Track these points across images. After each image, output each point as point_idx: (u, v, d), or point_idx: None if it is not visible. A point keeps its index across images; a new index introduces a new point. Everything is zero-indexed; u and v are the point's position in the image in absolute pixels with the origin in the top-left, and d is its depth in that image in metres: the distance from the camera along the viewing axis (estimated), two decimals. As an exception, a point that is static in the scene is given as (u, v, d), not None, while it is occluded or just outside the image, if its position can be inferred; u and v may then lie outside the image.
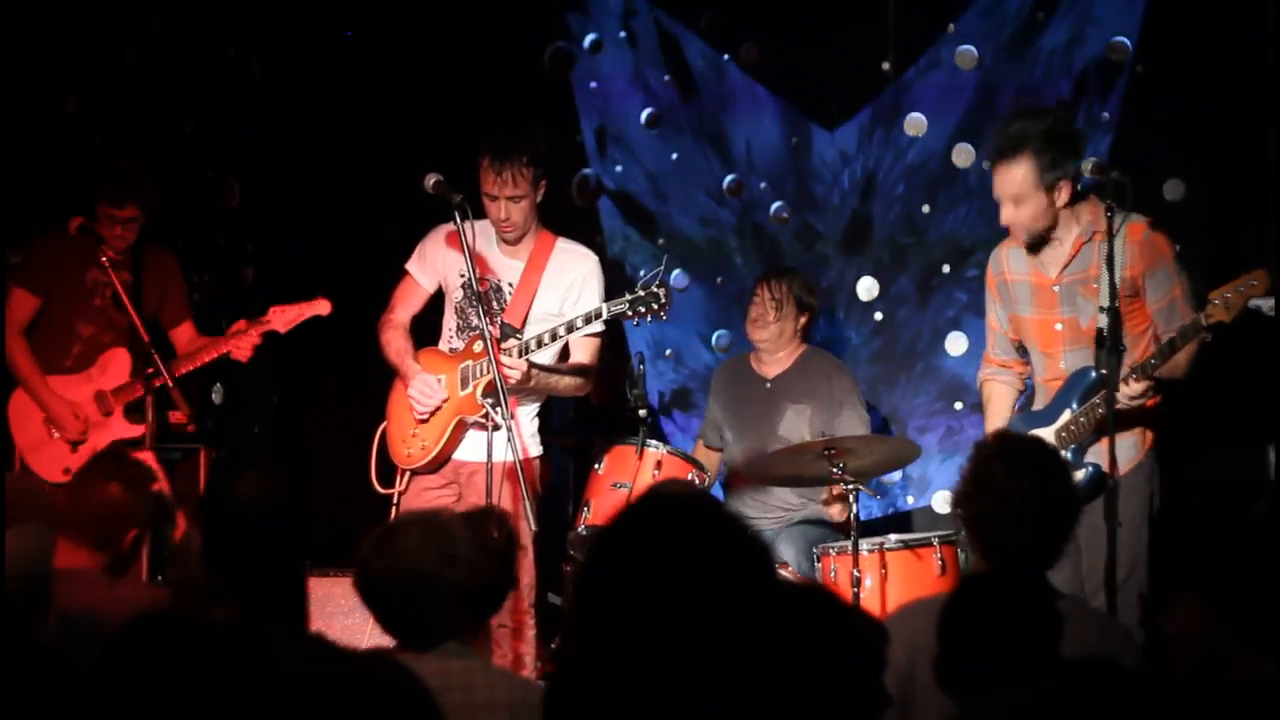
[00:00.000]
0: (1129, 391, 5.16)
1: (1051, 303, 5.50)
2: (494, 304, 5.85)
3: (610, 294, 5.84)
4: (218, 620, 2.62)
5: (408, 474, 5.90)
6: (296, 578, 3.42)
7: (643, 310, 5.52)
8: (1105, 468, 5.11)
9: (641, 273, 7.58)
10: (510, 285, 5.89)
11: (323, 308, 6.47)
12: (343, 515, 7.01)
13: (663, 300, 5.51)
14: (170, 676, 2.43)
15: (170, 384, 5.97)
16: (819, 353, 6.81)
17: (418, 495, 5.83)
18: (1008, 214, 5.39)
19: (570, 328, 5.65)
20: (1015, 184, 5.33)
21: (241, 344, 6.40)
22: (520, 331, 5.73)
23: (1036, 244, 5.45)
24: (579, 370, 5.88)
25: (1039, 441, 3.89)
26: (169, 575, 4.64)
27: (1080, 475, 5.33)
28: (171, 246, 7.03)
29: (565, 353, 5.92)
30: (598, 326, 5.75)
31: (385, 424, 5.98)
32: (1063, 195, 5.32)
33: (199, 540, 3.55)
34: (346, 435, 6.31)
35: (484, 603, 3.73)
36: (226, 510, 3.44)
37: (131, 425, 6.35)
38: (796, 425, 6.55)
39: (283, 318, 6.42)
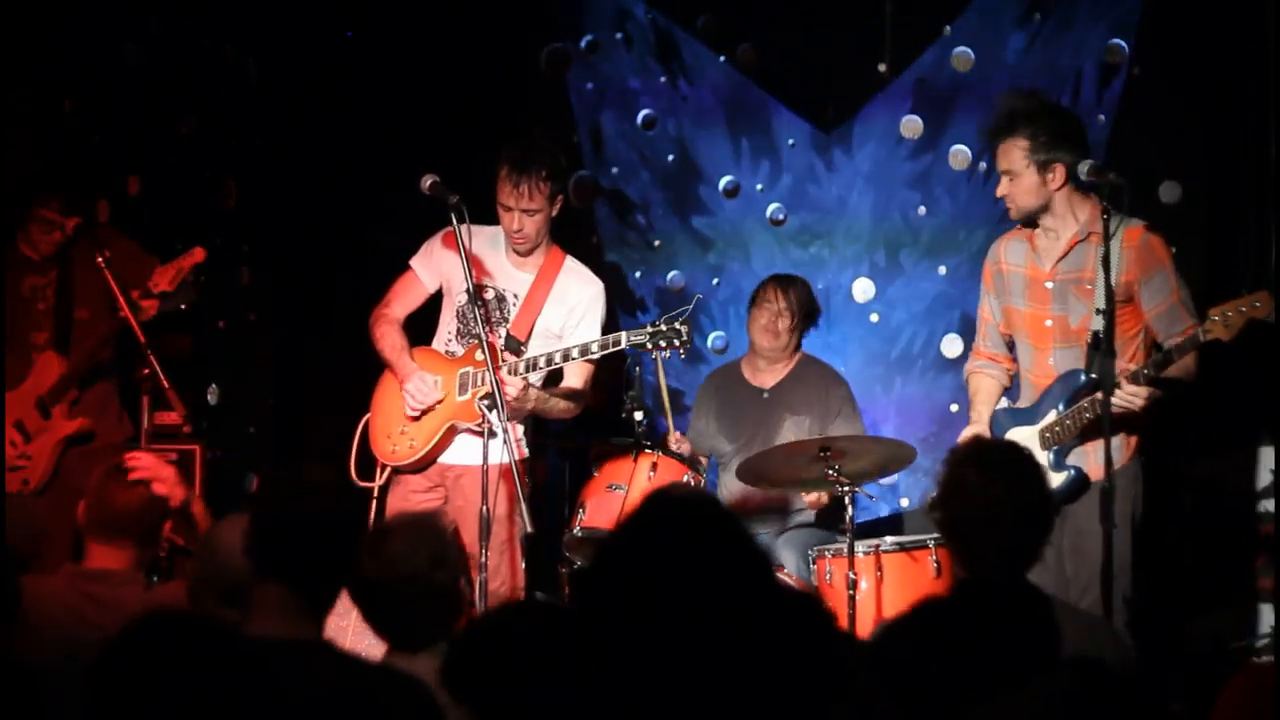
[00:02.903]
0: (1125, 394, 5.17)
1: (1043, 298, 5.52)
2: (498, 312, 5.85)
3: (610, 311, 5.84)
4: (225, 623, 2.63)
5: (387, 469, 5.90)
6: (337, 586, 3.38)
7: (663, 345, 5.55)
8: (1091, 470, 5.13)
9: (637, 274, 7.66)
10: (516, 296, 5.88)
11: (196, 255, 6.17)
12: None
13: (684, 338, 5.53)
14: (171, 677, 2.44)
15: (166, 385, 5.97)
16: (815, 361, 6.78)
17: (404, 497, 5.83)
18: (1002, 187, 5.49)
19: (585, 351, 5.65)
20: (1008, 159, 5.43)
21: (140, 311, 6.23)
22: (524, 345, 5.73)
23: (1029, 223, 5.51)
24: (571, 395, 5.87)
25: (1012, 445, 3.90)
26: (190, 572, 4.63)
27: (1061, 479, 5.35)
28: (169, 245, 7.03)
29: (556, 375, 5.91)
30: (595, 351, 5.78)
31: (369, 416, 5.97)
32: (1056, 178, 5.38)
33: (233, 540, 3.49)
34: (343, 436, 6.31)
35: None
36: (292, 508, 3.37)
37: (69, 422, 6.30)
38: (794, 437, 6.53)
39: (165, 277, 6.27)
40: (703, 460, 6.74)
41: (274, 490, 3.39)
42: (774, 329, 6.63)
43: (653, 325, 5.58)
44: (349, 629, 4.64)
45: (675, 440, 6.51)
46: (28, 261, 6.36)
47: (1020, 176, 5.41)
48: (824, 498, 6.26)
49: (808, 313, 6.69)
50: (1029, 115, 5.41)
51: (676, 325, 5.53)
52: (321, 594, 3.25)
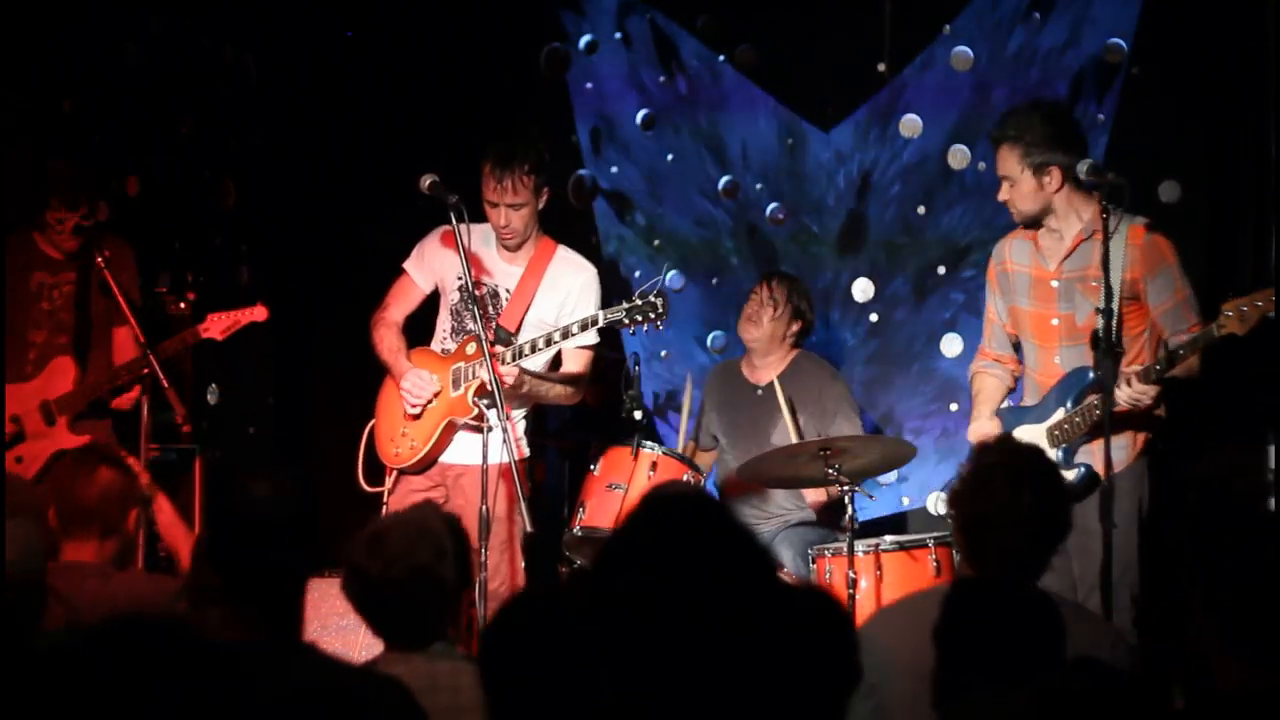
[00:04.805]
0: (1134, 392, 5.18)
1: (1049, 297, 5.53)
2: (490, 309, 5.86)
3: (606, 301, 5.84)
4: (202, 627, 2.61)
5: (395, 473, 5.91)
6: (298, 587, 3.39)
7: (640, 319, 5.53)
8: (1098, 469, 5.13)
9: (637, 274, 7.65)
10: (507, 291, 5.90)
11: (259, 314, 6.26)
12: (340, 517, 7.04)
13: (660, 310, 5.52)
14: (135, 681, 2.43)
15: (165, 385, 5.96)
16: (811, 358, 6.79)
17: (405, 497, 5.83)
18: (1003, 193, 5.53)
19: (566, 334, 5.66)
20: (1004, 165, 5.48)
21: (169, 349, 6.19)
22: (514, 336, 5.74)
23: (1032, 225, 5.53)
24: (570, 379, 5.89)
25: (1038, 450, 3.88)
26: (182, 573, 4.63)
27: (1072, 476, 5.34)
28: (168, 246, 7.03)
29: (557, 361, 5.92)
30: (592, 336, 5.76)
31: (374, 422, 5.99)
32: (1053, 181, 5.41)
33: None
34: (343, 437, 6.31)
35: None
36: (239, 512, 3.39)
37: (75, 436, 6.22)
38: (789, 432, 6.54)
39: (219, 325, 6.30)
40: (706, 455, 6.77)
41: (226, 493, 3.43)
42: (756, 318, 6.66)
43: (628, 301, 5.58)
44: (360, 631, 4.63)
45: (688, 451, 6.57)
46: (44, 259, 6.31)
47: (1018, 182, 5.44)
48: (827, 495, 6.27)
49: (797, 309, 6.68)
50: (1022, 121, 5.46)
51: (651, 299, 5.53)
52: (270, 597, 3.25)
